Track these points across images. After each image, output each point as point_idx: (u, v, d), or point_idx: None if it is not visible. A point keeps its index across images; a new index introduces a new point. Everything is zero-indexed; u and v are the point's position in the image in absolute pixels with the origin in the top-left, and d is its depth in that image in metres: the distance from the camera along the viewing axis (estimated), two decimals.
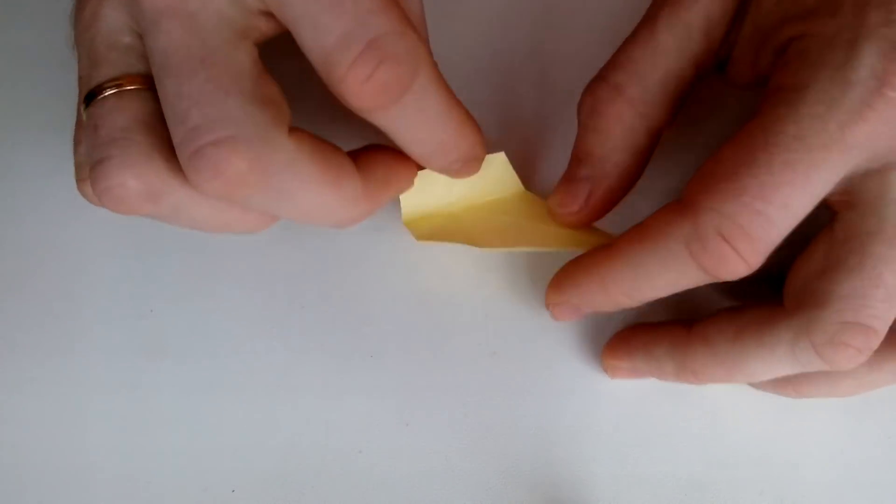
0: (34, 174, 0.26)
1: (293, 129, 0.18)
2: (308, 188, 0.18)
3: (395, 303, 0.25)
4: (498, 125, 0.26)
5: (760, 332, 0.20)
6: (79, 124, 0.21)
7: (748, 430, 0.24)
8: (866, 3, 0.17)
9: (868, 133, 0.17)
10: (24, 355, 0.25)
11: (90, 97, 0.19)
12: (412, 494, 0.24)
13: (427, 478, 0.24)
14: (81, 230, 0.26)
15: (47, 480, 0.24)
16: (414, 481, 0.24)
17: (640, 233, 0.19)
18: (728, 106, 0.26)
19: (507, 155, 0.23)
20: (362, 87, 0.16)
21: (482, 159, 0.22)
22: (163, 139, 0.18)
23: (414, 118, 0.18)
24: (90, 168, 0.18)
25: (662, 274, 0.19)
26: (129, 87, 0.18)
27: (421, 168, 0.22)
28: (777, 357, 0.19)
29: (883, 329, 0.19)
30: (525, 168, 0.25)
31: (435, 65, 0.18)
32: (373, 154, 0.21)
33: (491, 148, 0.22)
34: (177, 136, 0.17)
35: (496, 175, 0.23)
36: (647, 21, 0.20)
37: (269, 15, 0.18)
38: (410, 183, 0.22)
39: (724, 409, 0.24)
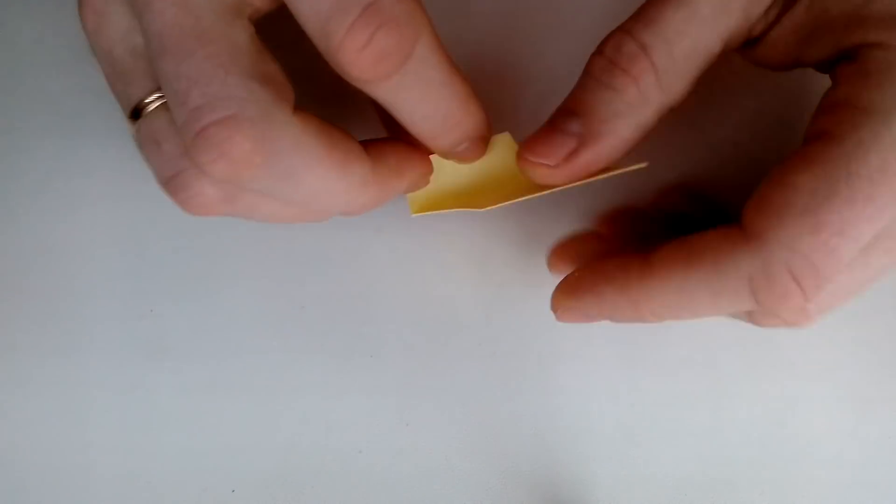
0: (34, 174, 0.26)
1: (297, 109, 0.17)
2: (315, 169, 0.17)
3: (395, 303, 0.25)
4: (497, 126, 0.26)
5: (718, 264, 0.18)
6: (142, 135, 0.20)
7: (748, 430, 0.24)
8: None
9: None
10: (24, 355, 0.25)
11: (136, 114, 0.18)
12: (412, 494, 0.24)
13: (427, 478, 0.24)
14: (81, 230, 0.26)
15: (47, 480, 0.24)
16: (414, 481, 0.24)
17: (691, 257, 0.18)
18: (741, 89, 0.25)
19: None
20: (361, 55, 0.15)
21: (488, 139, 0.20)
22: None
23: (417, 89, 0.17)
24: (165, 181, 0.18)
25: (710, 301, 0.18)
26: None
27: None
28: (733, 291, 0.18)
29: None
30: None
31: (435, 31, 0.17)
32: (384, 143, 0.20)
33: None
34: (179, 118, 0.16)
35: (503, 157, 0.22)
36: None
37: None
38: (424, 177, 0.21)
39: (725, 409, 0.24)
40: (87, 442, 0.24)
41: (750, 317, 0.20)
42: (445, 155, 0.20)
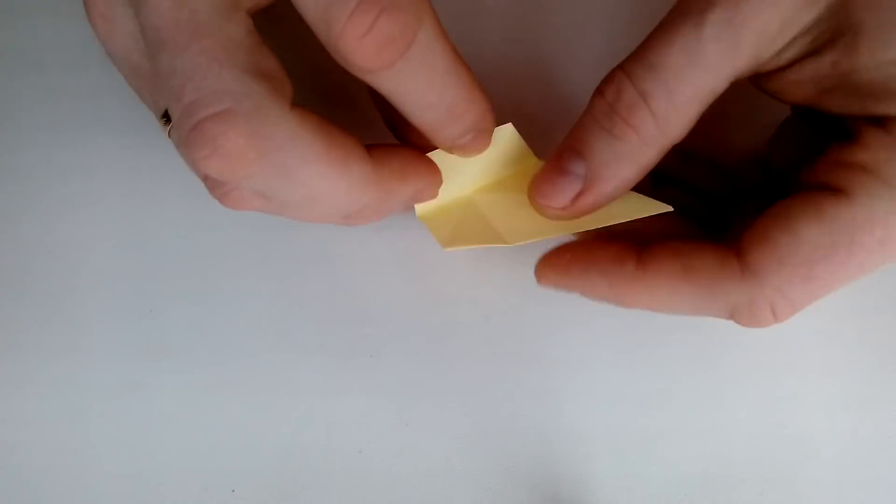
0: (34, 174, 0.26)
1: (295, 105, 0.17)
2: (312, 166, 0.17)
3: (395, 303, 0.25)
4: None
5: (710, 288, 0.19)
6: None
7: (748, 430, 0.24)
8: None
9: None
10: (24, 355, 0.25)
11: (167, 117, 0.18)
12: (412, 494, 0.24)
13: (427, 478, 0.24)
14: (81, 230, 0.26)
15: (48, 480, 0.24)
16: (414, 481, 0.24)
17: (686, 273, 0.19)
18: (739, 113, 0.25)
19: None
20: (363, 42, 0.15)
21: (492, 131, 0.20)
22: None
23: (421, 77, 0.17)
24: (203, 179, 0.18)
25: (689, 310, 0.19)
26: None
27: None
28: (715, 310, 0.19)
29: None
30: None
31: (437, 18, 0.17)
32: (388, 147, 0.20)
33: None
34: (174, 113, 0.16)
35: (507, 149, 0.22)
36: (691, 18, 0.17)
37: None
38: (431, 186, 0.21)
39: (724, 409, 0.24)
40: (86, 441, 0.24)
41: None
42: (449, 148, 0.20)
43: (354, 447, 0.24)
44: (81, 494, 0.24)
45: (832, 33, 0.17)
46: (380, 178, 0.19)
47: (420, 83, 0.17)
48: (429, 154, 0.21)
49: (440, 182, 0.21)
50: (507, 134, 0.21)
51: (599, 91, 0.19)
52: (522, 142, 0.22)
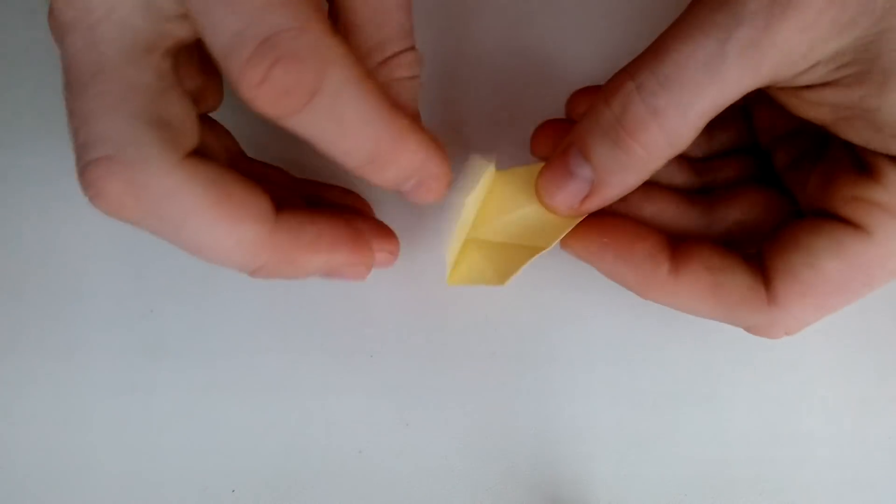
0: (34, 175, 0.26)
1: (193, 156, 0.17)
2: (194, 219, 0.17)
3: (395, 303, 0.25)
4: (499, 124, 0.26)
5: (736, 308, 0.19)
6: None
7: (748, 430, 0.24)
8: None
9: None
10: (24, 355, 0.25)
11: None
12: (412, 494, 0.24)
13: (427, 478, 0.24)
14: (81, 230, 0.26)
15: (48, 480, 0.24)
16: (414, 481, 0.24)
17: (716, 291, 0.19)
18: None
19: (511, 154, 0.23)
20: (259, 91, 0.15)
21: (445, 180, 0.20)
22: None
23: (331, 126, 0.16)
24: None
25: (705, 316, 0.20)
26: None
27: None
28: (732, 322, 0.20)
29: None
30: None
31: (358, 65, 0.16)
32: (313, 215, 0.19)
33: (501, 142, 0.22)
34: (74, 152, 0.17)
35: (491, 191, 0.21)
36: (715, 34, 0.17)
37: (186, 18, 0.17)
38: (353, 266, 0.20)
39: (724, 409, 0.24)
40: (86, 442, 0.24)
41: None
42: (391, 190, 0.19)
43: (354, 447, 0.24)
44: (81, 494, 0.24)
45: (860, 67, 0.17)
46: (277, 242, 0.18)
47: (331, 132, 0.17)
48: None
49: (368, 263, 0.20)
50: (487, 175, 0.21)
51: (605, 100, 0.18)
52: (511, 180, 0.21)
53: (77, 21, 0.17)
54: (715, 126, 0.20)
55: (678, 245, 0.20)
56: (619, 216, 0.21)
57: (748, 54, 0.16)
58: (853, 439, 0.24)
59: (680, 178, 0.23)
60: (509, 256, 0.21)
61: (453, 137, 0.26)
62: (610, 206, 0.21)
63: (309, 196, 0.23)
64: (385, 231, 0.23)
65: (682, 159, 0.23)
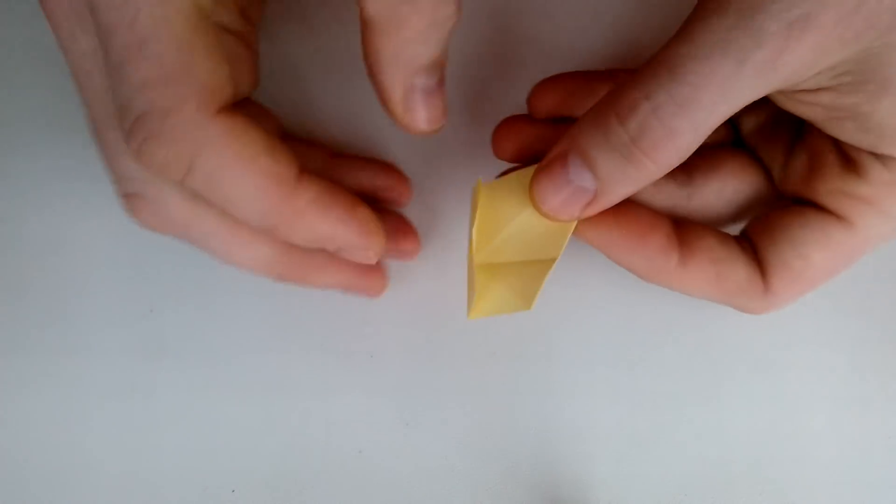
0: (34, 175, 0.26)
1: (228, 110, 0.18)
2: (216, 240, 0.20)
3: (395, 303, 0.25)
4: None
5: (735, 295, 0.21)
6: None
7: (748, 430, 0.24)
8: None
9: None
10: (24, 356, 0.25)
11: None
12: (412, 494, 0.24)
13: (427, 478, 0.24)
14: (81, 230, 0.26)
15: (48, 480, 0.24)
16: (414, 481, 0.24)
17: (719, 281, 0.21)
18: None
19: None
20: (140, 160, 0.17)
21: (368, 250, 0.20)
22: None
23: (215, 197, 0.18)
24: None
25: (704, 299, 0.21)
26: None
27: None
28: (728, 305, 0.22)
29: None
30: None
31: (250, 143, 0.17)
32: (333, 186, 0.20)
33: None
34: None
35: (489, 203, 0.21)
36: (733, 54, 0.17)
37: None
38: (361, 248, 0.20)
39: (724, 409, 0.24)
40: (86, 442, 0.24)
41: None
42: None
43: (354, 447, 0.24)
44: (81, 494, 0.24)
45: (858, 77, 0.17)
46: (288, 181, 0.19)
47: (218, 201, 0.18)
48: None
49: (375, 247, 0.21)
50: (478, 192, 0.20)
51: (619, 118, 0.18)
52: (501, 191, 0.21)
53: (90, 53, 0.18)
54: None
55: (683, 232, 0.21)
56: (627, 202, 0.21)
57: (763, 74, 0.17)
58: (853, 439, 0.24)
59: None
60: (525, 276, 0.21)
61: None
62: None
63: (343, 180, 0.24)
64: (405, 228, 0.23)
65: None
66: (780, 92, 0.19)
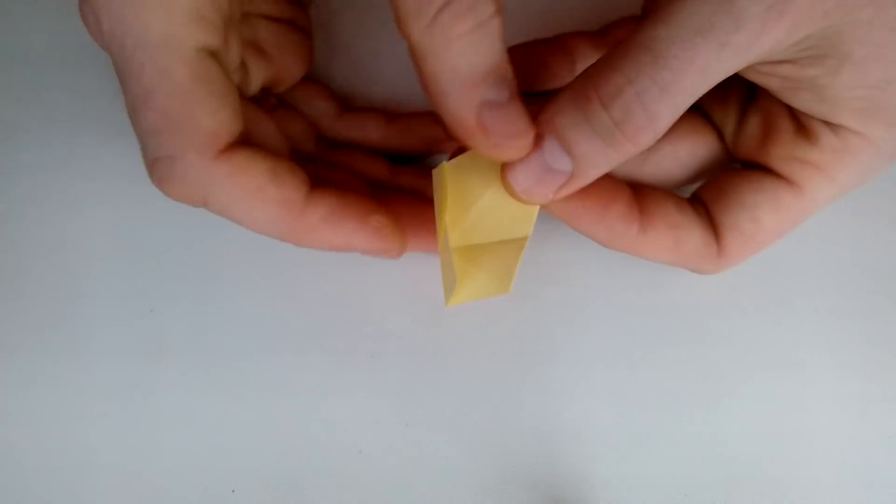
0: (34, 174, 0.26)
1: (230, 149, 0.19)
2: (234, 210, 0.20)
3: (395, 303, 0.25)
4: None
5: (691, 259, 0.22)
6: None
7: (748, 430, 0.24)
8: None
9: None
10: (23, 356, 0.25)
11: None
12: (412, 494, 0.24)
13: (427, 478, 0.24)
14: (81, 230, 0.26)
15: (47, 480, 0.24)
16: (414, 481, 0.24)
17: (677, 246, 0.21)
18: None
19: None
20: (163, 192, 0.20)
21: (387, 254, 0.21)
22: None
23: (233, 219, 0.20)
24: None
25: (662, 263, 0.22)
26: None
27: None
28: (683, 267, 0.23)
29: None
30: None
31: (256, 175, 0.19)
32: (344, 196, 0.20)
33: None
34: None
35: (454, 183, 0.20)
36: (715, 38, 0.17)
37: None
38: (377, 255, 0.21)
39: (724, 409, 0.24)
40: (86, 442, 0.24)
41: None
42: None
43: (354, 447, 0.24)
44: (82, 494, 0.24)
45: (819, 51, 0.18)
46: (296, 204, 0.20)
47: (237, 222, 0.20)
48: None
49: (393, 250, 0.21)
50: (442, 172, 0.20)
51: (602, 103, 0.18)
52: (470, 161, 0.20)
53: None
54: None
55: (641, 199, 0.22)
56: None
57: (740, 55, 0.17)
58: (853, 439, 0.24)
59: None
60: (498, 257, 0.21)
61: None
62: None
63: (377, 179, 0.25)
64: (424, 227, 0.23)
65: None
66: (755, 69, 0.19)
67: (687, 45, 0.17)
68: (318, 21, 0.27)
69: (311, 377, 0.25)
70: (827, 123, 0.20)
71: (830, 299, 0.25)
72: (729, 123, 0.23)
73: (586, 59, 0.23)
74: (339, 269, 0.25)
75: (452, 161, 0.20)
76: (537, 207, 0.20)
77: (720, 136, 0.23)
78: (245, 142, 0.20)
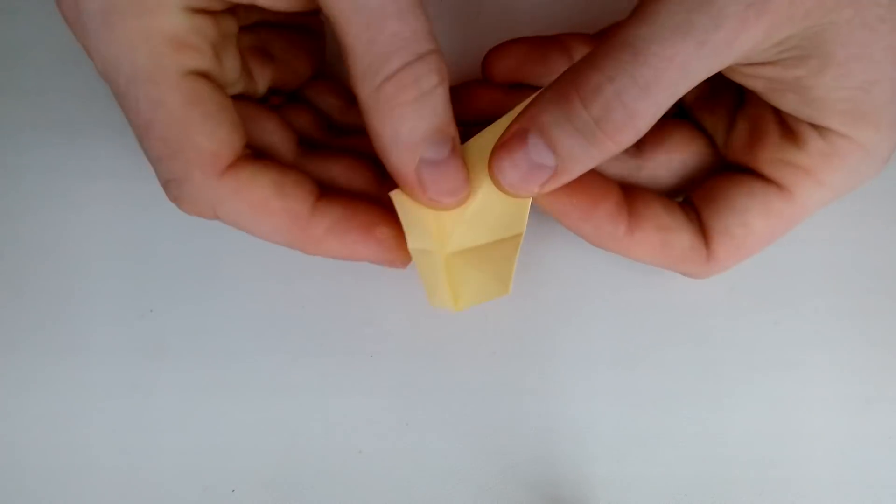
0: (34, 174, 0.26)
1: (233, 166, 0.19)
2: (243, 221, 0.20)
3: (395, 303, 0.25)
4: None
5: (680, 261, 0.22)
6: None
7: (748, 430, 0.24)
8: None
9: None
10: (24, 355, 0.25)
11: None
12: (412, 494, 0.24)
13: (427, 478, 0.24)
14: (81, 230, 0.26)
15: (48, 480, 0.24)
16: (414, 481, 0.24)
17: (664, 247, 0.21)
18: None
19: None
20: (180, 209, 0.20)
21: (387, 262, 0.21)
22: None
23: (245, 230, 0.21)
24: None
25: (649, 264, 0.22)
26: None
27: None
28: (673, 270, 0.23)
29: None
30: None
31: (261, 187, 0.19)
32: (351, 204, 0.21)
33: None
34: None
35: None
36: (694, 35, 0.17)
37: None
38: (384, 261, 0.21)
39: (724, 409, 0.24)
40: (86, 442, 0.24)
41: None
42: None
43: (354, 447, 0.24)
44: (81, 494, 0.24)
45: (802, 52, 0.18)
46: (301, 216, 0.20)
47: (247, 232, 0.21)
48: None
49: (398, 262, 0.21)
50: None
51: (582, 101, 0.18)
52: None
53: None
54: None
55: (631, 200, 0.22)
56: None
57: (719, 53, 0.17)
58: (853, 439, 0.24)
59: None
60: (495, 258, 0.21)
61: None
62: None
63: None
64: None
65: None
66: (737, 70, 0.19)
67: (667, 43, 0.17)
68: None
69: (311, 377, 0.25)
70: (814, 127, 0.20)
71: (830, 299, 0.25)
72: (720, 130, 0.23)
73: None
74: (339, 270, 0.25)
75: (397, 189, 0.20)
76: (529, 202, 0.20)
77: (713, 143, 0.23)
78: (250, 155, 0.20)
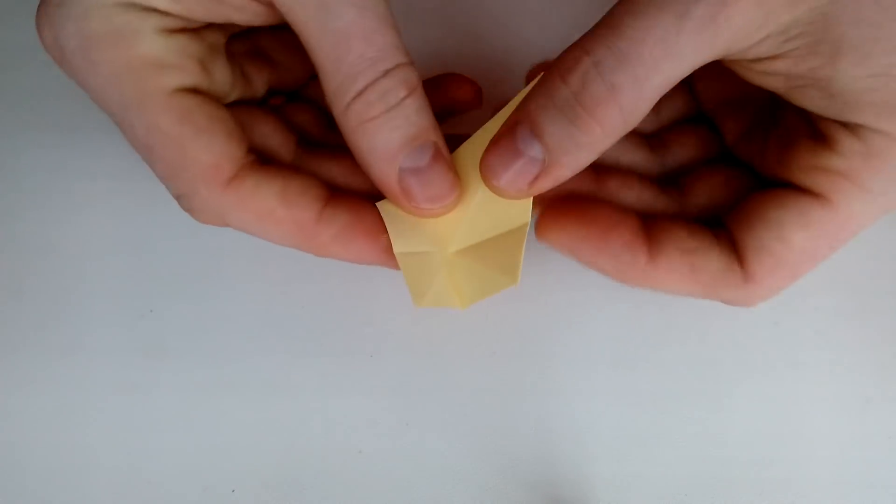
0: (35, 175, 0.26)
1: (235, 178, 0.20)
2: (253, 227, 0.21)
3: (395, 303, 0.25)
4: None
5: (715, 287, 0.20)
6: None
7: (748, 430, 0.24)
8: None
9: None
10: (24, 355, 0.25)
11: None
12: (412, 494, 0.24)
13: (427, 478, 0.24)
14: (81, 230, 0.26)
15: (47, 480, 0.24)
16: (414, 481, 0.24)
17: (693, 275, 0.20)
18: None
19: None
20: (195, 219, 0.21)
21: (392, 267, 0.21)
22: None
23: (253, 235, 0.21)
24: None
25: (686, 296, 0.21)
26: None
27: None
28: (711, 299, 0.21)
29: None
30: None
31: (266, 199, 0.20)
32: (359, 210, 0.21)
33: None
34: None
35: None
36: (673, 8, 0.17)
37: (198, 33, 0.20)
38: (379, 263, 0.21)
39: (724, 409, 0.24)
40: (86, 442, 0.24)
41: None
42: None
43: (354, 447, 0.24)
44: (81, 494, 0.24)
45: (810, 39, 0.17)
46: (307, 223, 0.20)
47: (257, 237, 0.21)
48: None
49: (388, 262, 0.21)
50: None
51: (561, 76, 0.18)
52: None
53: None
54: (661, 97, 0.20)
55: (651, 227, 0.20)
56: (591, 201, 0.21)
57: (704, 29, 0.17)
58: (853, 439, 0.24)
59: (638, 156, 0.23)
60: (502, 249, 0.20)
61: None
62: (588, 193, 0.21)
63: None
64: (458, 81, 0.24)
65: (635, 135, 0.23)
66: (736, 62, 0.19)
67: (642, 14, 0.17)
68: None
69: (311, 377, 0.25)
70: (845, 126, 0.18)
71: (830, 299, 0.25)
72: (755, 154, 0.22)
73: None
74: (339, 270, 0.25)
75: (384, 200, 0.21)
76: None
77: (753, 173, 0.22)
78: (255, 161, 0.20)
